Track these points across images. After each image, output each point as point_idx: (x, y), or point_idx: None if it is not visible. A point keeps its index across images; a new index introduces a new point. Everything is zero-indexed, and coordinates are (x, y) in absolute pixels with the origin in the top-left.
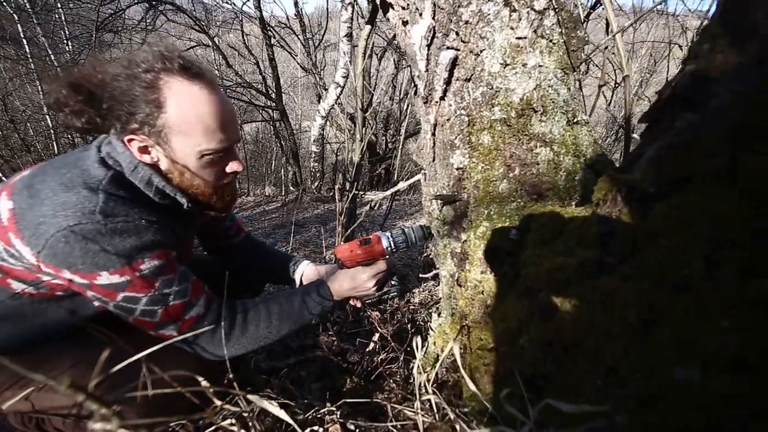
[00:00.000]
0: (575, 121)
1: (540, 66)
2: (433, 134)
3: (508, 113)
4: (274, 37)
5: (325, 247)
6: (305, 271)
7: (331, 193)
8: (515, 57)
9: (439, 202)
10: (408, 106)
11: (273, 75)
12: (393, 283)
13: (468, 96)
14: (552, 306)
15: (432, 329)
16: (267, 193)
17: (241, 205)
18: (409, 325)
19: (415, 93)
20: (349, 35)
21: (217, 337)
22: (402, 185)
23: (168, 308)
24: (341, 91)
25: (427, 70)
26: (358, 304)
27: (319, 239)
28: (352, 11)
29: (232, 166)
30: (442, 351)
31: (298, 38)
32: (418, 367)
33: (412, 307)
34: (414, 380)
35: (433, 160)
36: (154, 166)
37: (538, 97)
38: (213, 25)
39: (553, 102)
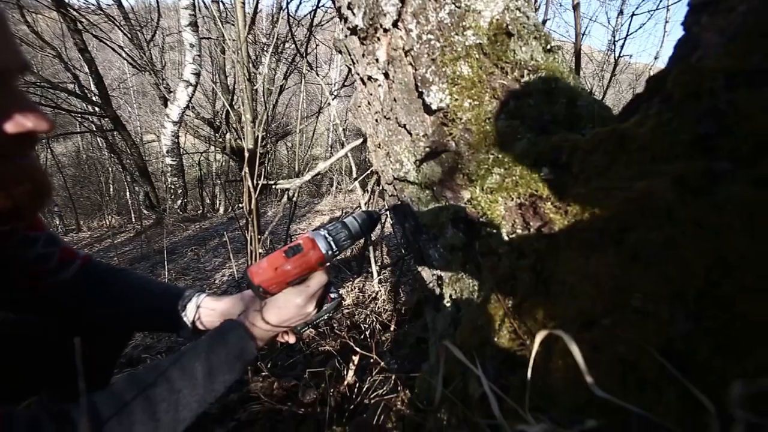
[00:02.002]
0: (549, 48)
1: None
2: (387, 76)
3: (481, 38)
4: (81, 22)
5: (213, 269)
6: (202, 310)
7: (199, 211)
8: None
9: (413, 160)
10: (273, 106)
11: (91, 72)
12: (333, 295)
13: (433, 17)
14: (660, 242)
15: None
16: (110, 225)
17: (72, 244)
18: (363, 334)
19: (344, 34)
20: (194, 24)
21: None
22: (322, 166)
23: None
24: (194, 91)
25: None
26: (291, 339)
27: (201, 263)
28: None
29: (20, 121)
30: (488, 348)
31: (120, 29)
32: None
33: (347, 310)
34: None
35: (390, 112)
36: None
37: (511, 20)
38: None
39: (524, 26)
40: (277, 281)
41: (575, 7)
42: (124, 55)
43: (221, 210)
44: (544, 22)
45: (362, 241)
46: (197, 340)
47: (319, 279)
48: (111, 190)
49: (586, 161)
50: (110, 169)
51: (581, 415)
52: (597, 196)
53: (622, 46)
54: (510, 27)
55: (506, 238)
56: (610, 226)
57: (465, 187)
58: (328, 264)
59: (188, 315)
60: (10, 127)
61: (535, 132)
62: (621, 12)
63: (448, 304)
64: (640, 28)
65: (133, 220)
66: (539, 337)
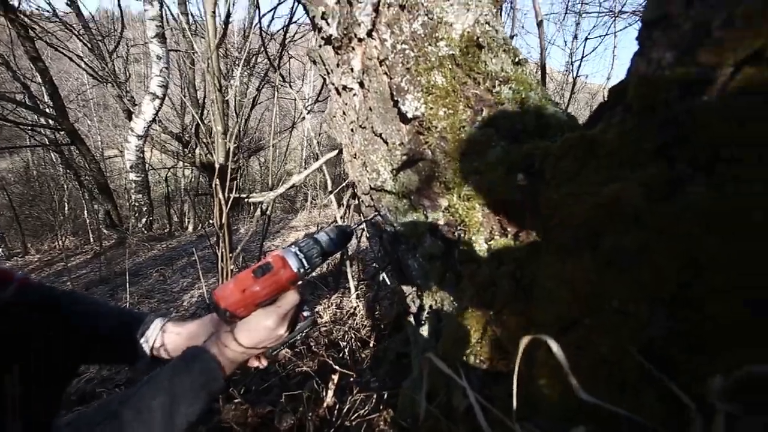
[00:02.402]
0: (518, 60)
1: None
2: (362, 85)
3: (453, 50)
4: (33, 29)
5: (181, 290)
6: (166, 336)
7: (166, 229)
8: None
9: (390, 168)
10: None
11: (44, 82)
12: (306, 313)
13: (407, 27)
14: (635, 244)
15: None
16: (64, 246)
17: (17, 269)
18: (341, 352)
19: (319, 44)
20: (162, 35)
21: None
22: (297, 178)
23: None
24: (161, 104)
25: (338, 2)
26: (263, 364)
27: (168, 285)
28: (161, 7)
29: None
30: (472, 361)
31: (79, 38)
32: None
33: (324, 328)
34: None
35: (366, 121)
36: None
37: (481, 33)
38: None
39: (494, 39)
40: (245, 304)
41: (539, 24)
42: (83, 65)
43: (190, 228)
44: (511, 37)
45: (339, 255)
46: (159, 370)
47: (291, 298)
48: (66, 208)
49: (558, 167)
50: (65, 186)
51: (568, 421)
52: (568, 202)
53: (578, 68)
54: (480, 39)
55: (485, 245)
56: (583, 232)
57: (442, 195)
58: (300, 282)
59: (148, 342)
60: None
61: (508, 140)
62: (575, 36)
63: (429, 315)
64: (593, 51)
65: (92, 241)
66: (522, 343)
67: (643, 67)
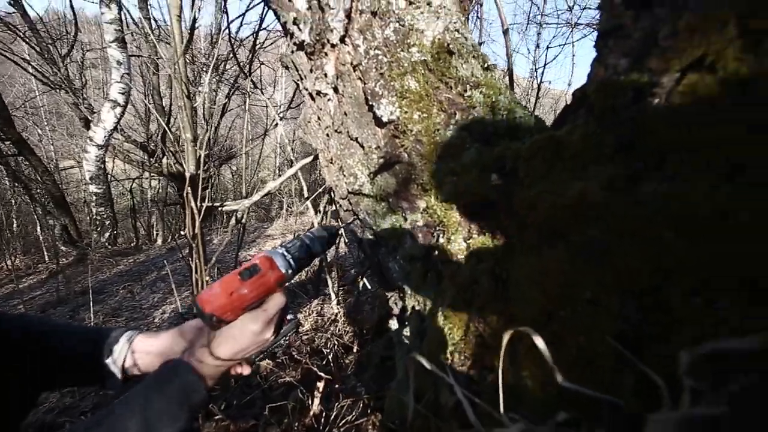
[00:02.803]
0: (487, 66)
1: (443, 6)
2: (336, 90)
3: (425, 55)
4: None
5: (151, 306)
6: (137, 353)
7: (132, 243)
8: None
9: (367, 172)
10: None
11: None
12: (289, 316)
13: (379, 33)
14: (609, 235)
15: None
16: (14, 266)
17: None
18: (325, 359)
19: (291, 50)
20: (122, 40)
21: None
22: (273, 185)
23: None
24: (122, 112)
25: (310, 8)
26: (246, 371)
27: (136, 301)
28: (120, 10)
29: None
30: (465, 358)
31: (26, 41)
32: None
33: (306, 336)
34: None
35: (341, 125)
36: None
37: (451, 40)
38: None
39: (463, 46)
40: (232, 307)
41: (505, 32)
42: (30, 70)
43: (159, 241)
44: (479, 44)
45: (317, 262)
46: (131, 390)
47: (277, 301)
48: (14, 225)
49: (529, 167)
50: (13, 201)
51: (551, 410)
52: (541, 198)
53: (542, 74)
54: (451, 46)
55: (464, 244)
56: (555, 226)
57: (420, 197)
58: (287, 284)
59: (116, 360)
60: None
61: (481, 142)
62: (537, 45)
63: (412, 317)
64: (554, 59)
65: (47, 259)
66: (506, 337)
67: (602, 72)
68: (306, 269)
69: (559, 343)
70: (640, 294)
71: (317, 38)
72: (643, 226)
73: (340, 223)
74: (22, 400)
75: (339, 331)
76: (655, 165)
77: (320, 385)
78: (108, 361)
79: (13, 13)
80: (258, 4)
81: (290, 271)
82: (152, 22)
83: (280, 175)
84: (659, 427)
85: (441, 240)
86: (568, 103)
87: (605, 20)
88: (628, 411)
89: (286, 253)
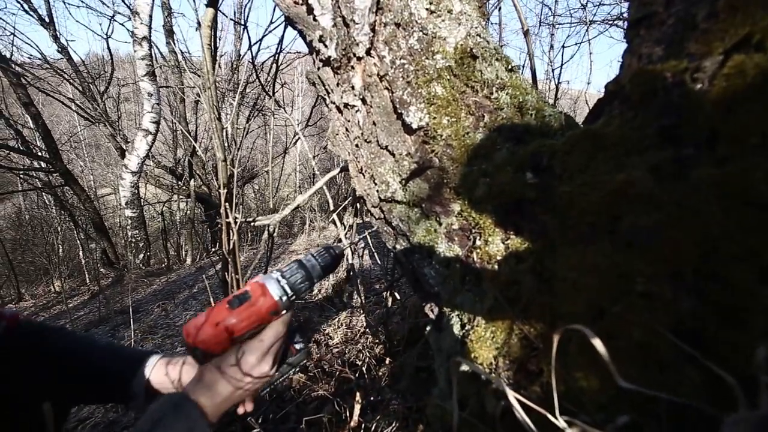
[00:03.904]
0: (511, 67)
1: (464, 13)
2: (364, 101)
3: (449, 61)
4: (25, 77)
5: (184, 323)
6: (153, 377)
7: (164, 264)
8: (439, 3)
9: (399, 179)
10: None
11: (37, 126)
12: (298, 345)
13: (404, 43)
14: (659, 226)
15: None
16: (62, 288)
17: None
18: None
19: (317, 66)
20: (152, 73)
21: None
22: (301, 198)
23: None
24: (153, 140)
25: (335, 25)
26: (249, 407)
27: (170, 319)
28: (149, 46)
29: None
30: (499, 366)
31: (71, 82)
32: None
33: (337, 349)
34: None
35: (371, 135)
36: None
37: (473, 45)
38: None
39: (486, 50)
40: (218, 340)
41: (525, 33)
42: (74, 108)
43: (188, 260)
44: (501, 47)
45: (344, 274)
46: (138, 422)
47: (274, 331)
48: (60, 250)
49: (567, 162)
50: (59, 228)
51: (610, 412)
52: (583, 191)
53: (559, 75)
54: (474, 50)
55: (502, 245)
56: (600, 218)
57: (454, 200)
58: (284, 312)
59: (140, 381)
60: None
61: (512, 142)
62: (552, 46)
63: (450, 322)
64: (571, 58)
65: (88, 281)
66: (556, 336)
67: (635, 62)
68: (333, 282)
69: (613, 340)
70: (695, 283)
71: (343, 53)
72: (698, 211)
73: (346, 243)
74: (56, 409)
75: (369, 343)
76: (706, 149)
77: (358, 395)
78: (134, 382)
79: (61, 59)
80: (276, 27)
81: (285, 298)
82: (178, 54)
83: (302, 192)
84: (737, 429)
85: (478, 242)
86: (599, 98)
87: (635, 9)
88: (696, 412)
89: (280, 278)
